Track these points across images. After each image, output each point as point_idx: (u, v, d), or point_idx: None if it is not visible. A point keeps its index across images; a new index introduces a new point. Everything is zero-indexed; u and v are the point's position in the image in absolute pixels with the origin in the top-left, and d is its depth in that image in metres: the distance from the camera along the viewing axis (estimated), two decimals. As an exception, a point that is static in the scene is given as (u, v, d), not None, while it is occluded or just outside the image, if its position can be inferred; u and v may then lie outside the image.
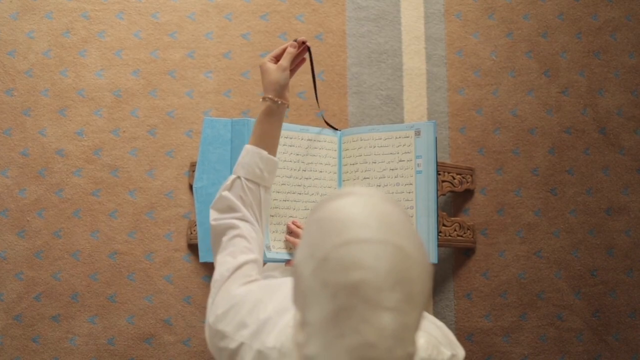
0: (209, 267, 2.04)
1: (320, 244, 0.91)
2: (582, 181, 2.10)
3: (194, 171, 1.93)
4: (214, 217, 1.39)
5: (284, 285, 1.21)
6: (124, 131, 2.10)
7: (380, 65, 2.15)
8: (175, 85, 2.12)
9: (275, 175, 1.48)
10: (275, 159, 1.45)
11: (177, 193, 2.08)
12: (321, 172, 1.84)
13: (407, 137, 1.81)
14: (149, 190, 2.08)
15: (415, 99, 2.13)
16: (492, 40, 2.16)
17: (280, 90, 1.44)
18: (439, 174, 1.92)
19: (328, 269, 0.88)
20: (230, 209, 1.38)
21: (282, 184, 1.80)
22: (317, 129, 1.85)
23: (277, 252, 1.71)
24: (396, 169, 1.81)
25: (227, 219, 1.37)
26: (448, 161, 2.09)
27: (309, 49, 1.54)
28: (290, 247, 1.74)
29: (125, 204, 2.07)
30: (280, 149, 1.82)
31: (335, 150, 1.88)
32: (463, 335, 2.04)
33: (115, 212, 2.07)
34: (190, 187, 2.03)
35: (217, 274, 1.31)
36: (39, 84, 2.11)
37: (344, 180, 1.87)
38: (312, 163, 1.83)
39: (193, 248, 2.04)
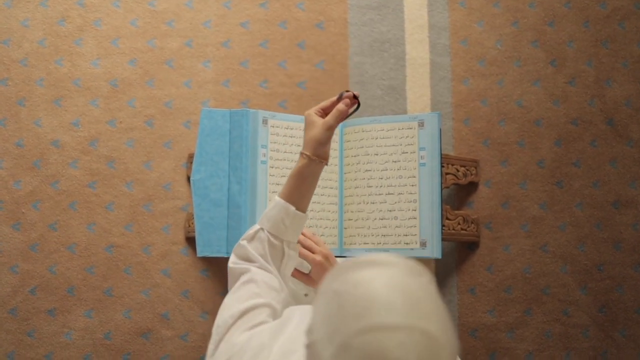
0: (207, 261, 1.99)
1: (340, 326, 0.82)
2: (589, 174, 2.04)
3: (192, 163, 1.87)
4: (232, 260, 1.36)
5: (292, 319, 1.14)
6: (120, 122, 2.04)
7: (382, 54, 2.09)
8: (172, 75, 2.06)
9: (301, 231, 1.42)
10: (304, 214, 1.39)
11: (175, 185, 2.02)
12: (322, 164, 1.79)
13: (411, 128, 1.75)
14: (146, 182, 2.02)
15: (419, 89, 2.07)
16: (497, 29, 2.09)
17: (320, 148, 1.36)
18: (443, 167, 1.87)
19: (350, 359, 0.80)
20: (248, 258, 1.35)
21: (282, 176, 1.74)
22: (317, 120, 1.79)
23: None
24: (399, 161, 1.75)
25: (244, 265, 1.34)
26: (452, 153, 2.03)
27: (358, 104, 1.44)
28: None
29: (121, 196, 2.02)
30: (280, 139, 1.77)
31: (336, 142, 1.83)
32: (466, 330, 1.99)
33: (112, 204, 2.01)
34: (189, 179, 1.97)
35: (220, 319, 1.24)
36: (34, 74, 2.05)
37: (345, 173, 1.81)
38: (312, 155, 1.78)
39: (191, 241, 1.99)
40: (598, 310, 1.99)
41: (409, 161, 1.74)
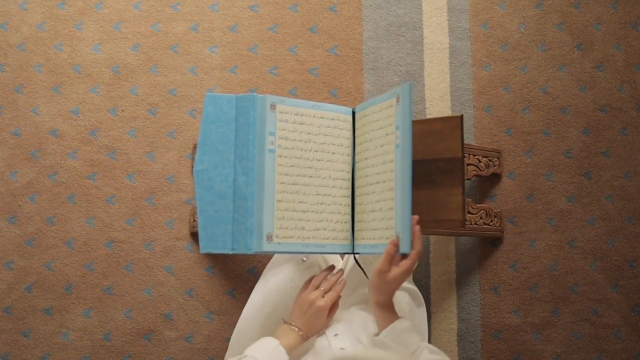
0: (213, 258, 1.79)
1: None
2: (620, 164, 1.82)
3: (197, 153, 1.67)
4: None
5: None
6: (122, 110, 1.84)
7: (399, 39, 1.88)
8: (177, 61, 1.86)
9: None
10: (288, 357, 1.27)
11: (179, 177, 1.82)
12: (334, 153, 1.57)
13: (391, 106, 1.48)
14: (149, 173, 1.82)
15: (437, 75, 1.85)
16: (520, 11, 1.87)
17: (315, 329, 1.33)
18: (464, 157, 1.64)
19: None
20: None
21: (291, 166, 1.53)
22: (330, 106, 1.57)
23: (279, 243, 1.43)
24: (383, 145, 1.47)
25: None
26: (473, 143, 1.81)
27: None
28: (299, 237, 1.47)
29: (123, 188, 1.82)
30: (289, 126, 1.55)
31: (349, 130, 1.61)
32: (489, 332, 1.77)
33: (113, 197, 1.81)
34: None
35: None
36: (32, 59, 1.86)
37: (356, 162, 1.60)
38: (324, 143, 1.56)
39: (196, 237, 1.78)
40: (631, 310, 1.77)
41: (390, 144, 1.44)
